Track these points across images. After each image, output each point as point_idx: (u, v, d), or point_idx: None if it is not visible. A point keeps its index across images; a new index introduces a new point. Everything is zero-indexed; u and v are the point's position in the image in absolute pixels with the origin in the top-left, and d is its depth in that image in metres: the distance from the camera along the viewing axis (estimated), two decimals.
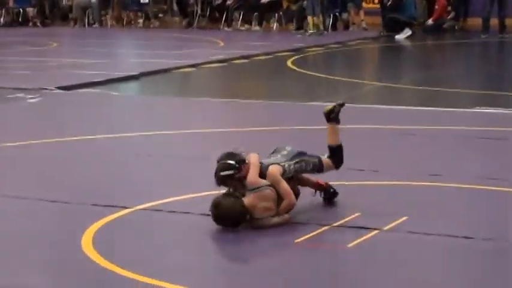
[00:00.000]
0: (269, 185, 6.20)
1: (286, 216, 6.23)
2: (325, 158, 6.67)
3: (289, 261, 5.69)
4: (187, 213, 6.56)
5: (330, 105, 6.86)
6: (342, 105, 6.86)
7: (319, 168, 6.57)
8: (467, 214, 6.61)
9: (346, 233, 6.03)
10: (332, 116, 6.80)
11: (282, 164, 6.40)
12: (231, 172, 6.20)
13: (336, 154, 6.70)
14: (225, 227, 6.11)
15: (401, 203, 6.64)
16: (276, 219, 6.16)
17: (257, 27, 22.14)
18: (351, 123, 10.33)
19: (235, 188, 6.23)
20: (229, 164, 6.24)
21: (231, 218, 6.06)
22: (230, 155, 6.31)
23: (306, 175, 6.61)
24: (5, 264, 5.58)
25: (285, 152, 6.52)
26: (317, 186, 6.66)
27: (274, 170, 6.30)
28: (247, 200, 6.10)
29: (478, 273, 5.41)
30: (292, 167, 6.44)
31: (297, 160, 6.49)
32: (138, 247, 5.92)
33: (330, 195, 6.70)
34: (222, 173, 6.21)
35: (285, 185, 6.26)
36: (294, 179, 6.46)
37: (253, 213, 6.08)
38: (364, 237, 5.94)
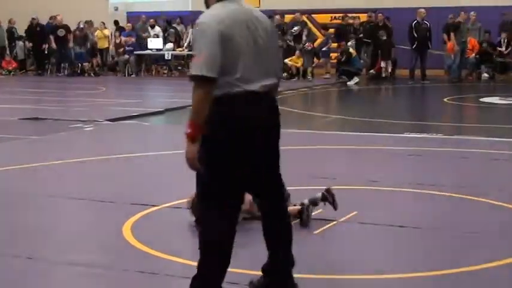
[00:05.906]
0: None
1: None
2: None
3: None
4: None
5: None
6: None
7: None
8: (400, 209, 6.61)
9: (313, 223, 6.00)
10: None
11: None
12: None
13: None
14: None
15: (351, 201, 6.61)
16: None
17: None
18: (316, 145, 10.35)
19: None
20: None
21: None
22: None
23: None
24: (71, 246, 5.58)
25: None
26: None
27: None
28: None
29: (409, 251, 5.43)
30: None
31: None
32: (163, 233, 5.90)
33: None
34: None
35: None
36: None
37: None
38: (326, 226, 5.93)
